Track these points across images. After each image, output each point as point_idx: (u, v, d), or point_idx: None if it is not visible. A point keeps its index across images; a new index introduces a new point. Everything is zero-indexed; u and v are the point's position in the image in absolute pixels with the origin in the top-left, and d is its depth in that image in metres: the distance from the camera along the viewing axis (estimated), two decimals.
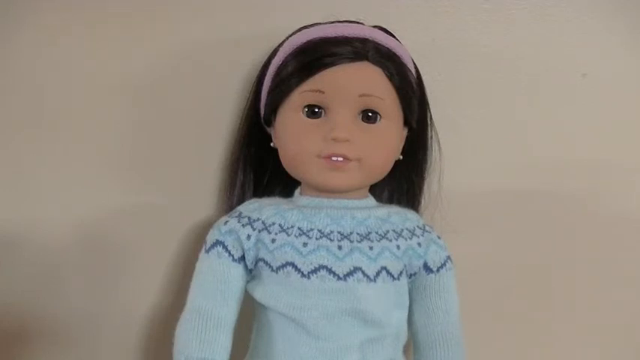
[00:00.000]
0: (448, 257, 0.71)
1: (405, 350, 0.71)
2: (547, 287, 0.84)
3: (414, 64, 0.71)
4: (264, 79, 0.71)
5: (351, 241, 0.66)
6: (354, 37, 0.66)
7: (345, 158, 0.65)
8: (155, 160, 0.80)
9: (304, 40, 0.67)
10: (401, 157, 0.71)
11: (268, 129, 0.72)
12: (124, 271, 0.81)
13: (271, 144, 0.71)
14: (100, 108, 0.78)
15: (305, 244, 0.66)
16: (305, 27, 0.69)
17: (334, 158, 0.65)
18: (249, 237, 0.67)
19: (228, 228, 0.68)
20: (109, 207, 0.79)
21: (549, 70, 0.81)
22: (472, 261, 0.78)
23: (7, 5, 0.76)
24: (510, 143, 0.82)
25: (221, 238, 0.67)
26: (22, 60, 0.77)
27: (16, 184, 0.79)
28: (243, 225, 0.68)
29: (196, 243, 0.77)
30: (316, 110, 0.66)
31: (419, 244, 0.69)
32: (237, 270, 0.67)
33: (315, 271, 0.65)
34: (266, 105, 0.70)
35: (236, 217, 0.69)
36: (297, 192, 0.71)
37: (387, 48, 0.67)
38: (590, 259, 0.84)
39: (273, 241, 0.66)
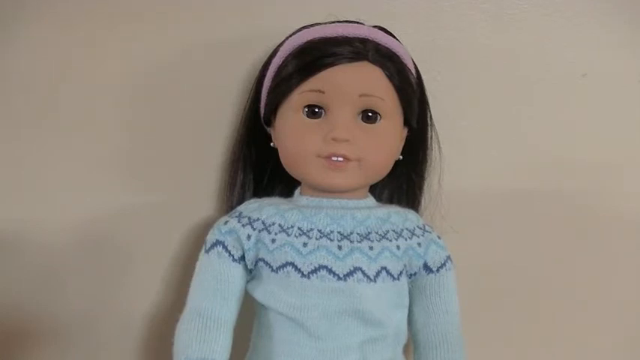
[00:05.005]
0: (448, 257, 0.71)
1: (405, 350, 0.71)
2: (547, 287, 0.84)
3: (414, 64, 0.71)
4: (264, 79, 0.71)
5: (351, 241, 0.66)
6: (354, 37, 0.66)
7: (345, 158, 0.65)
8: (155, 160, 0.80)
9: (304, 40, 0.67)
10: (401, 157, 0.71)
11: (268, 129, 0.72)
12: (124, 271, 0.81)
13: (271, 144, 0.71)
14: (100, 108, 0.78)
15: (305, 244, 0.66)
16: (305, 27, 0.69)
17: (334, 158, 0.65)
18: (249, 237, 0.67)
19: (228, 228, 0.68)
20: (109, 207, 0.79)
21: (549, 70, 0.81)
22: (472, 261, 0.78)
23: (7, 5, 0.76)
24: (510, 143, 0.82)
25: (221, 238, 0.67)
26: (21, 60, 0.77)
27: (16, 184, 0.79)
28: (243, 225, 0.68)
29: (196, 243, 0.77)
30: (316, 110, 0.66)
31: (419, 244, 0.69)
32: (237, 270, 0.67)
33: (315, 271, 0.65)
34: (266, 105, 0.70)
35: (236, 217, 0.69)
36: (297, 192, 0.71)
37: (387, 48, 0.67)
38: (590, 258, 0.84)
39: (273, 241, 0.66)
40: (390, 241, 0.68)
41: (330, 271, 0.65)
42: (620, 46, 0.81)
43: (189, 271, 0.69)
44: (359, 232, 0.67)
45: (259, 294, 0.67)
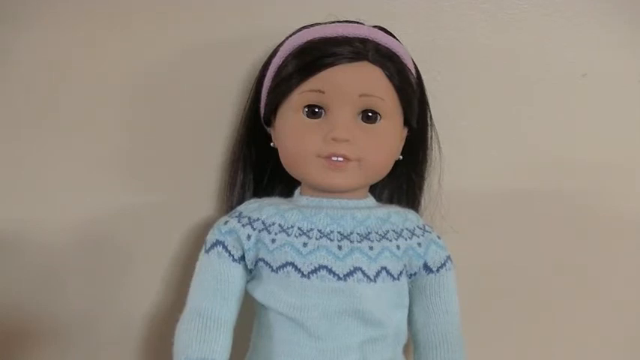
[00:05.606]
0: (448, 257, 0.71)
1: (405, 350, 0.71)
2: (547, 287, 0.84)
3: (414, 64, 0.71)
4: (264, 79, 0.71)
5: (351, 241, 0.66)
6: (354, 37, 0.66)
7: (345, 158, 0.65)
8: (155, 160, 0.80)
9: (304, 40, 0.67)
10: (401, 157, 0.71)
11: (268, 129, 0.72)
12: (124, 271, 0.81)
13: (271, 144, 0.71)
14: (100, 108, 0.78)
15: (305, 244, 0.66)
16: (305, 27, 0.69)
17: (334, 158, 0.65)
18: (249, 237, 0.67)
19: (228, 228, 0.68)
20: (109, 207, 0.79)
21: (549, 70, 0.81)
22: (472, 261, 0.78)
23: (7, 6, 0.76)
24: (510, 143, 0.82)
25: (221, 238, 0.67)
26: (22, 61, 0.77)
27: (16, 184, 0.79)
28: (243, 225, 0.68)
29: (196, 243, 0.77)
30: (316, 110, 0.66)
31: (419, 244, 0.69)
32: (237, 270, 0.67)
33: (315, 271, 0.65)
34: (266, 105, 0.70)
35: (236, 217, 0.69)
36: (297, 192, 0.71)
37: (387, 48, 0.67)
38: (590, 259, 0.84)
39: (273, 241, 0.66)
40: (390, 241, 0.68)
41: (330, 271, 0.65)
42: (620, 46, 0.81)
43: (189, 271, 0.69)
44: (359, 232, 0.67)
45: (259, 294, 0.67)
